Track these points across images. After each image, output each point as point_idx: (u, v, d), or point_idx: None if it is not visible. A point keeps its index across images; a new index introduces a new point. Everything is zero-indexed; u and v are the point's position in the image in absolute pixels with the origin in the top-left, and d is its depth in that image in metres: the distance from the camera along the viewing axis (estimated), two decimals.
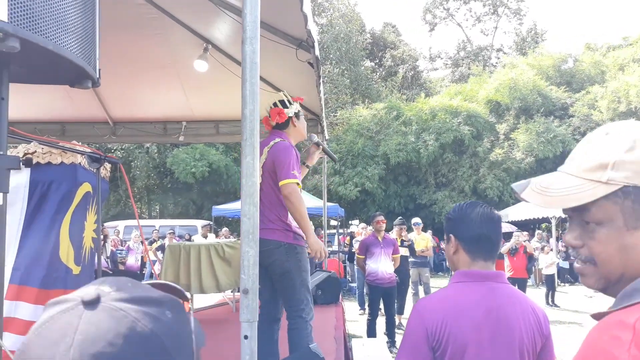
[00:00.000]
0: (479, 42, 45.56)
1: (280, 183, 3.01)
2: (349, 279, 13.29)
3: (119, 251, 13.14)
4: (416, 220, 9.87)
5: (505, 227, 15.68)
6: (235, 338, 1.80)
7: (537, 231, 16.76)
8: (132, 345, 0.56)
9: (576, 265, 0.85)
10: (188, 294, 6.31)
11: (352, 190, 21.37)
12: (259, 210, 3.04)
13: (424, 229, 11.63)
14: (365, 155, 22.45)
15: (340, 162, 21.85)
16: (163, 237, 14.18)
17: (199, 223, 16.60)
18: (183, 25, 5.20)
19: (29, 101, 6.17)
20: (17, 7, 1.22)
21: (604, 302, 0.82)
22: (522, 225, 17.41)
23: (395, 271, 7.09)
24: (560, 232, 16.62)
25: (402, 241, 8.21)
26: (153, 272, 11.50)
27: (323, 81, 5.68)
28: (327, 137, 7.78)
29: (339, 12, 31.15)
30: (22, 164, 2.54)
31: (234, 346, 1.86)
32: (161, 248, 12.41)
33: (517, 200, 0.90)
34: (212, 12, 4.63)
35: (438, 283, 12.64)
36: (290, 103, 3.32)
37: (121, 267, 12.54)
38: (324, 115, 6.70)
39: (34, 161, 2.66)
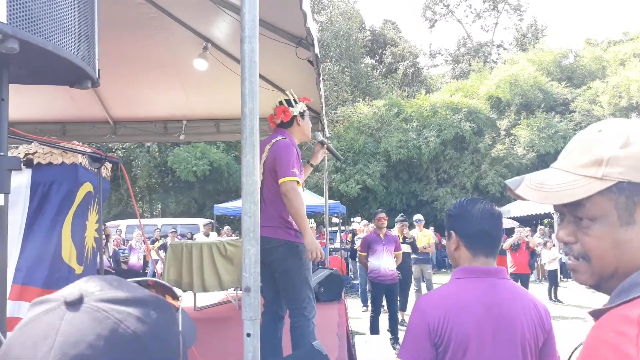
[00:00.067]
0: (479, 38, 45.56)
1: (279, 180, 3.02)
2: (352, 276, 13.29)
3: (121, 250, 13.13)
4: (418, 217, 9.87)
5: (508, 223, 15.68)
6: (238, 336, 1.80)
7: (540, 227, 16.76)
8: (113, 347, 0.55)
9: (569, 262, 0.85)
10: (180, 292, 6.32)
11: (354, 187, 21.36)
12: (261, 208, 3.05)
13: (426, 226, 11.64)
14: (366, 153, 22.44)
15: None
16: (165, 236, 14.19)
17: (201, 222, 16.60)
18: (183, 25, 5.20)
19: (29, 101, 6.18)
20: (16, 9, 1.23)
21: (607, 297, 0.82)
22: (524, 221, 17.40)
23: (398, 268, 7.09)
24: None
25: (404, 238, 8.21)
26: (155, 271, 11.51)
27: (323, 79, 5.68)
28: (327, 135, 7.77)
29: (339, 10, 31.10)
30: (23, 165, 2.54)
31: (237, 344, 1.87)
32: (163, 247, 12.41)
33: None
34: (211, 11, 4.63)
35: (440, 279, 12.65)
36: (295, 102, 3.32)
37: (124, 267, 12.54)
38: (324, 112, 6.70)
39: (35, 162, 2.67)
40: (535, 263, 12.68)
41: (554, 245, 12.82)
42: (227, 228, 15.09)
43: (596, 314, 0.78)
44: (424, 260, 9.29)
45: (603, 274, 0.80)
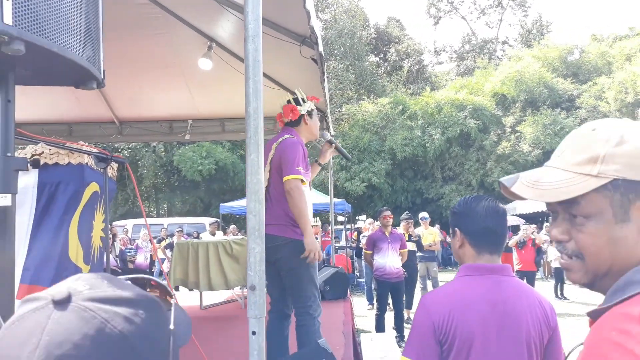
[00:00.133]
0: (484, 35, 45.30)
1: (284, 178, 3.02)
2: (357, 274, 13.29)
3: (128, 250, 13.20)
4: (423, 214, 9.85)
5: (513, 220, 15.63)
6: (244, 334, 1.81)
7: (545, 224, 16.65)
8: (99, 347, 0.54)
9: (562, 260, 0.86)
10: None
11: (359, 185, 21.35)
12: (268, 206, 3.06)
13: (432, 224, 11.60)
14: (371, 151, 22.42)
15: (343, 157, 21.79)
16: (171, 235, 14.24)
17: (207, 221, 16.65)
18: (187, 24, 5.21)
19: (35, 103, 6.21)
20: (21, 11, 1.24)
21: (602, 295, 0.82)
22: (530, 218, 17.32)
23: (403, 266, 7.08)
24: None
25: (410, 236, 8.20)
26: (162, 270, 11.56)
27: (328, 77, 5.68)
28: (332, 133, 7.77)
29: (343, 8, 31.05)
30: (30, 165, 2.56)
31: (243, 342, 1.88)
32: (170, 246, 12.47)
33: None
34: (215, 11, 4.63)
35: (446, 277, 12.62)
36: (304, 101, 3.32)
37: (130, 266, 12.61)
38: (329, 111, 6.70)
39: (42, 162, 2.69)
40: (542, 260, 12.64)
41: None
42: (233, 227, 15.11)
43: (594, 314, 0.78)
44: (430, 258, 9.28)
45: (597, 272, 0.80)
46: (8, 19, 1.20)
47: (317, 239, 3.39)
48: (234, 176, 22.46)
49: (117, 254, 11.64)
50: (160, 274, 12.68)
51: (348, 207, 15.78)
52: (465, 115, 22.27)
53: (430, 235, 9.36)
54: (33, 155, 2.70)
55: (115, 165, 3.23)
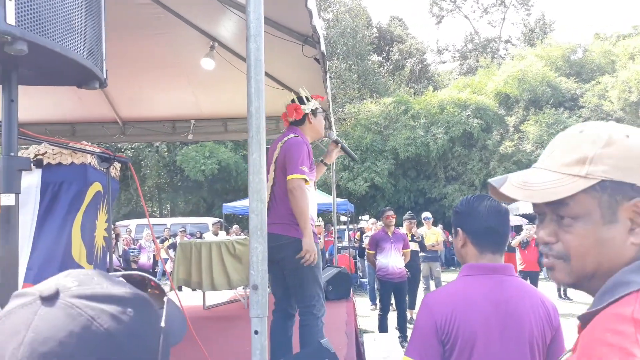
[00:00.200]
0: (487, 34, 45.27)
1: (287, 177, 3.01)
2: (360, 274, 13.29)
3: (131, 250, 13.23)
4: (426, 214, 9.84)
5: (516, 220, 15.59)
6: (246, 334, 1.81)
7: None
8: (84, 345, 0.54)
9: (546, 260, 0.86)
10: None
11: (362, 185, 21.34)
12: (272, 205, 3.06)
13: (435, 223, 11.61)
14: (374, 150, 22.41)
15: (349, 157, 21.79)
16: (174, 235, 14.28)
17: (210, 221, 16.67)
18: (189, 24, 5.21)
19: (38, 103, 6.23)
20: (24, 11, 1.24)
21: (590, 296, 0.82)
22: (533, 218, 17.28)
23: (406, 266, 7.08)
24: None
25: (412, 236, 8.20)
26: (165, 270, 11.58)
27: (330, 76, 5.68)
28: (335, 133, 7.77)
29: (345, 7, 31.06)
30: (33, 165, 2.57)
31: (246, 342, 1.88)
32: (173, 246, 12.49)
33: None
34: (217, 10, 4.64)
35: (449, 277, 12.61)
36: (308, 100, 3.31)
37: (134, 266, 12.64)
38: (331, 110, 6.70)
39: (45, 162, 2.70)
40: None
41: None
42: (235, 227, 15.13)
43: (584, 318, 0.78)
44: (433, 258, 9.27)
45: (582, 273, 0.81)
46: (11, 19, 1.21)
47: (320, 239, 3.38)
48: (237, 176, 22.48)
49: (120, 254, 11.67)
50: (163, 274, 12.72)
51: (351, 207, 15.77)
52: (468, 114, 22.23)
53: (433, 235, 9.35)
54: (36, 155, 2.71)
55: (118, 165, 3.24)
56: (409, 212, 9.15)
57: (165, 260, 12.44)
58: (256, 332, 1.71)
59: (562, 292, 11.44)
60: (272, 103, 4.22)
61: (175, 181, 24.75)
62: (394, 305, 7.21)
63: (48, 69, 1.53)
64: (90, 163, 2.88)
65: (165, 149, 23.94)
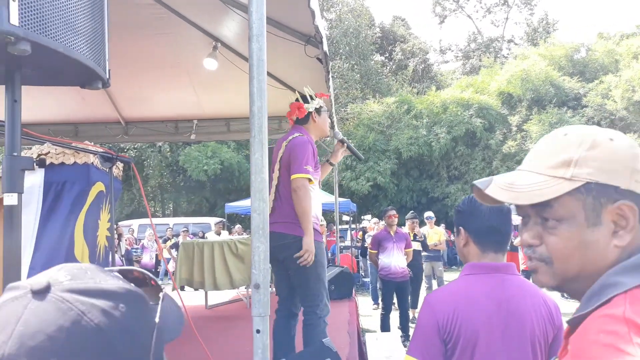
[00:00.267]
0: (490, 33, 45.20)
1: (291, 177, 3.00)
2: (362, 273, 13.28)
3: (134, 249, 13.27)
4: (429, 214, 9.84)
5: (519, 220, 15.55)
6: (249, 334, 1.82)
7: None
8: (73, 340, 0.53)
9: (529, 263, 0.86)
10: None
11: (364, 185, 21.33)
12: (277, 204, 3.06)
13: (437, 223, 11.58)
14: (376, 150, 22.40)
15: (352, 157, 21.80)
16: (177, 235, 14.31)
17: (212, 220, 16.70)
18: (192, 24, 5.22)
19: (42, 103, 6.25)
20: (27, 11, 1.25)
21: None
22: None
23: (409, 265, 7.07)
24: None
25: (415, 235, 8.19)
26: (167, 269, 11.60)
27: (333, 76, 5.69)
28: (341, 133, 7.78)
29: (348, 7, 31.05)
30: (36, 165, 2.58)
31: (248, 342, 1.88)
32: (175, 246, 12.51)
33: None
34: (220, 10, 4.65)
35: (452, 277, 12.55)
36: (312, 98, 3.29)
37: (136, 265, 12.67)
38: (334, 110, 6.70)
39: (48, 162, 2.71)
40: None
41: None
42: (238, 227, 15.14)
43: (574, 322, 0.79)
44: (435, 257, 9.26)
45: (566, 275, 0.81)
46: (14, 19, 1.21)
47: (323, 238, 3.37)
48: (239, 176, 22.50)
49: (123, 253, 11.69)
50: (166, 273, 12.74)
51: (353, 206, 15.77)
52: (471, 114, 22.20)
53: (436, 234, 9.34)
54: (39, 154, 2.72)
55: (120, 165, 3.25)
56: (412, 211, 9.15)
57: (168, 260, 12.46)
58: (258, 331, 1.72)
59: None
60: (275, 103, 4.22)
61: (177, 181, 24.79)
62: (396, 305, 7.21)
63: (51, 69, 1.53)
64: (92, 163, 2.89)
65: (167, 149, 23.98)
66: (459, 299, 1.55)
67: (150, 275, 0.69)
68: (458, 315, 1.51)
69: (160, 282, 0.69)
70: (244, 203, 15.63)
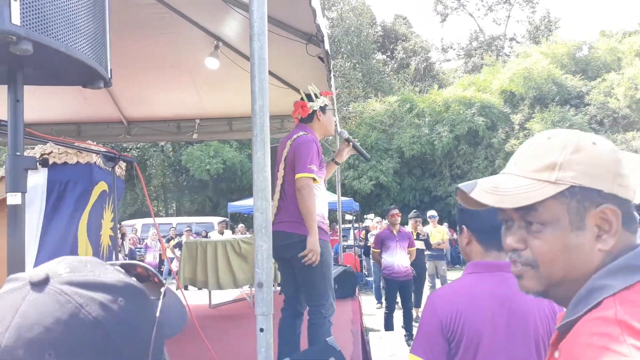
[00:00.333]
0: (492, 31, 45.16)
1: (295, 176, 2.99)
2: (365, 273, 13.29)
3: (137, 249, 13.29)
4: (432, 213, 9.83)
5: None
6: (252, 332, 1.82)
7: None
8: (70, 333, 0.53)
9: (514, 268, 0.86)
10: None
11: (367, 184, 21.33)
12: (282, 204, 3.06)
13: (440, 222, 11.58)
14: (379, 149, 22.38)
15: (354, 156, 21.80)
16: (180, 235, 14.33)
17: (215, 220, 16.72)
18: (193, 24, 5.23)
19: (44, 103, 6.26)
20: (29, 11, 1.25)
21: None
22: None
23: (412, 264, 7.07)
24: None
25: (418, 234, 8.19)
26: (171, 269, 11.62)
27: (334, 75, 5.68)
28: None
29: (349, 6, 31.03)
30: (39, 164, 2.58)
31: (252, 341, 1.88)
32: (178, 245, 12.54)
33: None
34: (222, 10, 4.65)
35: (455, 276, 12.57)
36: (316, 96, 3.26)
37: None
38: (336, 109, 6.70)
39: (51, 161, 2.71)
40: None
41: None
42: (241, 226, 15.16)
43: (563, 328, 0.78)
44: (438, 256, 9.25)
45: (551, 279, 0.81)
46: (16, 19, 1.21)
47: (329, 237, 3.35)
48: (242, 175, 22.52)
49: (127, 253, 11.72)
50: (169, 273, 12.76)
51: (356, 205, 15.77)
52: (473, 112, 22.17)
53: (439, 233, 9.33)
54: (42, 154, 2.72)
55: (123, 164, 3.25)
56: (414, 210, 9.14)
57: (171, 260, 12.49)
58: (262, 330, 1.72)
59: None
60: (276, 102, 4.22)
61: (180, 181, 24.83)
62: (399, 304, 7.21)
63: (53, 68, 1.53)
64: (95, 162, 2.89)
65: (170, 149, 24.02)
66: (462, 298, 1.55)
67: (154, 271, 0.69)
68: (461, 314, 1.51)
69: (163, 281, 0.69)
70: (247, 202, 15.64)
